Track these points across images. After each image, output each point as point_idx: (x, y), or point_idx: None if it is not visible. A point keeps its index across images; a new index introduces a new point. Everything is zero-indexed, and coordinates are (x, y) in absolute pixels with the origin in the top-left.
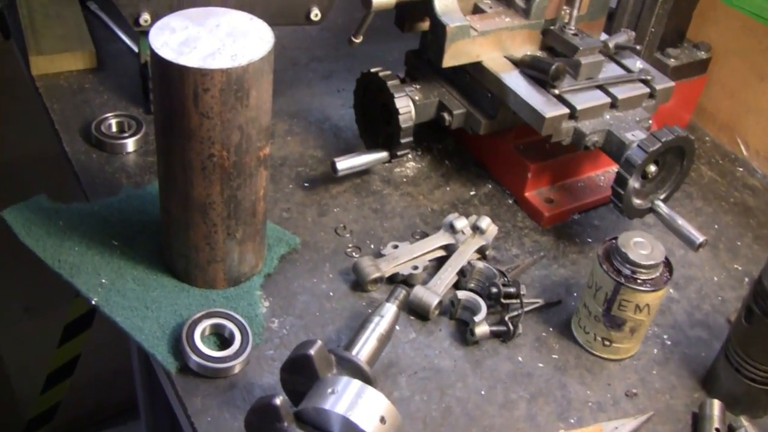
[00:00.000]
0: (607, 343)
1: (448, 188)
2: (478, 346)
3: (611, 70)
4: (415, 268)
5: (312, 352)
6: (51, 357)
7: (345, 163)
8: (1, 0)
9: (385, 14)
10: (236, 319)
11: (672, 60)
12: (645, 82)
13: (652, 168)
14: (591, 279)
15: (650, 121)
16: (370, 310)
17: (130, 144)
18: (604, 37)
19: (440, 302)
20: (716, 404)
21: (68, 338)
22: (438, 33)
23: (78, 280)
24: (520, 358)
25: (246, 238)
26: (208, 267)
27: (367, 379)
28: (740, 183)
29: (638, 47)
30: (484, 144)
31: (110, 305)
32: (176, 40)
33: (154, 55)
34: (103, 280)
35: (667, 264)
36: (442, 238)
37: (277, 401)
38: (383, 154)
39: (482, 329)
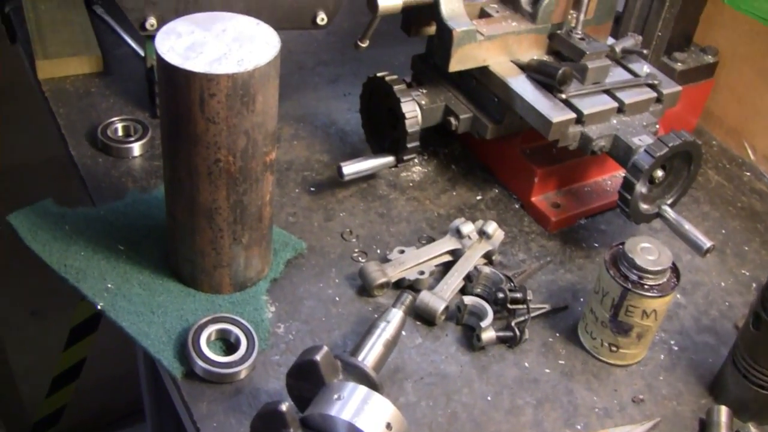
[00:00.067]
0: (613, 348)
1: (454, 193)
2: (485, 352)
3: (618, 74)
4: (422, 273)
5: (318, 357)
6: (57, 360)
7: (351, 168)
8: (8, 4)
9: (392, 18)
10: (242, 325)
11: (679, 64)
12: (652, 86)
13: (659, 173)
14: (598, 284)
15: (657, 126)
16: (376, 316)
17: (136, 148)
18: (611, 41)
19: (446, 307)
20: (724, 411)
21: (74, 341)
22: (444, 37)
23: (84, 284)
24: (526, 364)
25: (252, 243)
26: (214, 272)
27: (373, 385)
28: (747, 187)
29: (645, 51)
30: (491, 148)
31: (116, 310)
32: (182, 44)
33: (160, 60)
34: (109, 285)
35: (675, 269)
36: (448, 243)
37: (283, 407)
38: (389, 159)
39: (489, 335)
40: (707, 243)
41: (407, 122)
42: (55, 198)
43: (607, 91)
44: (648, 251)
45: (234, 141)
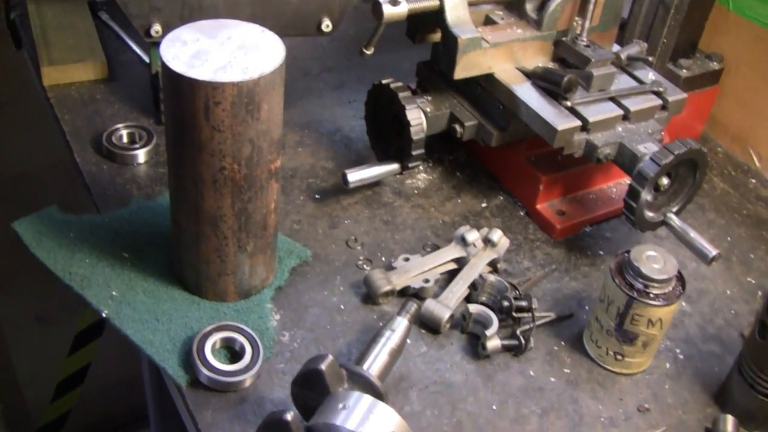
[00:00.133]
0: (619, 357)
1: (459, 200)
2: (490, 360)
3: (623, 81)
4: (427, 281)
5: (323, 366)
6: (62, 365)
7: (356, 175)
8: (14, 10)
9: (397, 24)
10: (247, 333)
11: (684, 71)
12: (657, 93)
13: (665, 181)
14: (603, 293)
15: (662, 133)
16: (381, 324)
17: (141, 155)
18: (616, 48)
19: (452, 316)
20: (730, 420)
21: (79, 347)
22: (450, 45)
23: (89, 292)
24: (531, 372)
25: (257, 250)
26: (219, 280)
27: (378, 394)
28: (753, 195)
29: (650, 59)
30: (496, 156)
31: (121, 318)
32: (187, 52)
33: (166, 68)
34: (114, 293)
35: (680, 278)
36: (453, 251)
37: (288, 416)
38: (394, 166)
39: (494, 343)
40: (713, 251)
41: (412, 129)
42: (59, 204)
43: (613, 99)
44: (653, 260)
45: (239, 149)
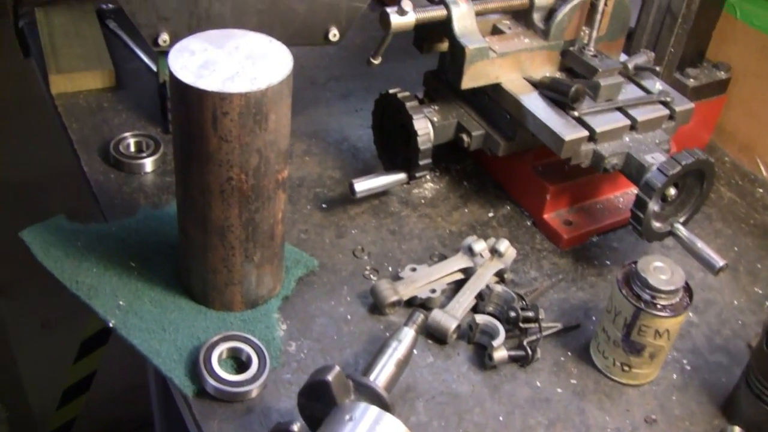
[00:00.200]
0: (626, 368)
1: (466, 210)
2: (496, 371)
3: (631, 91)
4: (433, 291)
5: (330, 377)
6: (67, 373)
7: (363, 185)
8: (22, 18)
9: (404, 34)
10: (254, 343)
11: (691, 80)
12: (665, 103)
13: (672, 191)
14: (610, 303)
15: (670, 143)
16: (388, 334)
17: (148, 164)
18: (623, 57)
19: (458, 326)
20: (737, 431)
21: (84, 354)
22: (457, 54)
23: (96, 302)
24: (538, 383)
25: (264, 260)
26: (226, 289)
27: (384, 406)
28: (760, 204)
29: (658, 68)
30: (503, 165)
31: (127, 328)
32: (195, 62)
33: (173, 78)
34: (121, 302)
35: (687, 289)
36: (460, 261)
37: (295, 427)
38: (402, 176)
39: (500, 354)
40: (720, 262)
41: (419, 139)
42: (66, 211)
43: (620, 109)
44: (661, 270)
45: (246, 159)
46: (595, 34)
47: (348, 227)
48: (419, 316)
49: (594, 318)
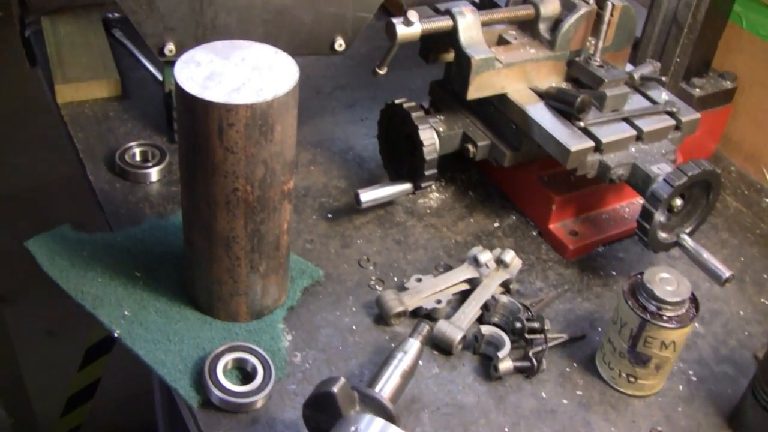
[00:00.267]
0: (632, 379)
1: (471, 219)
2: (502, 382)
3: (637, 101)
4: (439, 302)
5: (335, 389)
6: (72, 380)
7: (369, 195)
8: (29, 27)
9: (410, 44)
10: (259, 354)
11: (697, 90)
12: (671, 113)
13: (678, 202)
14: (616, 314)
15: (676, 153)
16: (393, 345)
17: (154, 174)
18: (629, 68)
19: (464, 337)
20: None
21: (89, 362)
22: (463, 65)
23: (101, 312)
24: (543, 394)
25: (269, 271)
26: (231, 300)
27: (390, 417)
28: (766, 214)
29: (664, 79)
30: (508, 175)
31: (133, 338)
32: (201, 74)
33: (180, 90)
34: (126, 312)
35: (693, 300)
36: (466, 272)
37: None
38: (407, 186)
39: (506, 365)
40: (726, 273)
41: (425, 150)
42: (71, 219)
43: (626, 119)
44: (667, 282)
45: (252, 170)
46: (601, 44)
47: (353, 237)
48: (425, 327)
49: (600, 329)
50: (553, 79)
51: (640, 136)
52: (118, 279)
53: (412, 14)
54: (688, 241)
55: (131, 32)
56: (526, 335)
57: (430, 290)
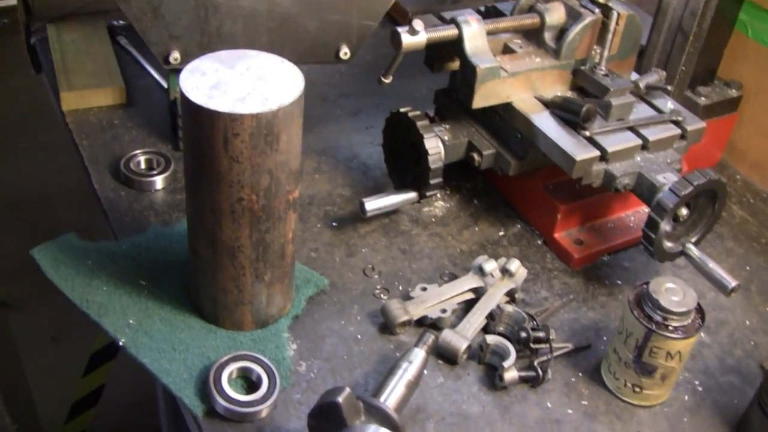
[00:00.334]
0: (637, 389)
1: (476, 228)
2: (507, 392)
3: (642, 110)
4: (444, 311)
5: (340, 399)
6: (76, 386)
7: (374, 204)
8: (34, 35)
9: (415, 52)
10: (264, 363)
11: (703, 98)
12: (676, 122)
13: (684, 211)
14: (621, 325)
15: (681, 162)
16: (398, 354)
17: (159, 181)
18: (634, 76)
19: (469, 346)
20: None
21: (93, 368)
22: (468, 74)
23: (106, 320)
24: (549, 404)
25: (274, 280)
26: (236, 309)
27: (394, 427)
28: None
29: (669, 87)
30: (514, 184)
31: (137, 346)
32: (207, 83)
33: (185, 99)
34: (131, 321)
35: (699, 310)
36: (471, 281)
37: None
38: (412, 195)
39: (511, 375)
40: (732, 282)
41: (430, 158)
42: (76, 226)
43: (631, 128)
44: (672, 292)
45: (257, 180)
46: (606, 53)
47: (358, 246)
48: (430, 337)
49: (605, 338)
50: (558, 88)
51: (645, 145)
52: (122, 287)
53: (418, 23)
54: (694, 251)
55: (136, 40)
56: (532, 345)
57: (435, 299)
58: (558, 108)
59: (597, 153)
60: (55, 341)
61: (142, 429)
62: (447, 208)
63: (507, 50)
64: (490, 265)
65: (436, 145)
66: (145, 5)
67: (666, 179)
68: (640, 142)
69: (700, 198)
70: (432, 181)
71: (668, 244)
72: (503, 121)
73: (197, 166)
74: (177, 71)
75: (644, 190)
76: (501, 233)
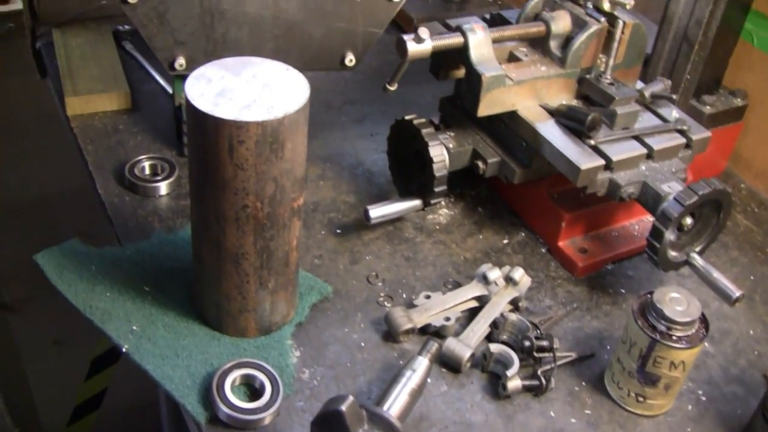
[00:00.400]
0: (640, 399)
1: (480, 236)
2: (510, 400)
3: (647, 119)
4: (448, 319)
5: (343, 407)
6: (78, 390)
7: (378, 211)
8: (39, 39)
9: (420, 59)
10: (267, 370)
11: (708, 107)
12: (681, 132)
13: (689, 220)
14: (625, 334)
15: (686, 172)
16: (401, 362)
17: (163, 187)
18: (640, 85)
19: (472, 355)
20: None
21: (95, 372)
22: (473, 82)
23: (109, 326)
24: (552, 413)
25: (278, 287)
26: (240, 316)
27: None
28: None
29: (674, 96)
30: (518, 192)
31: (141, 353)
32: (212, 90)
33: (190, 106)
34: (134, 327)
35: (703, 320)
36: (475, 289)
37: None
38: (417, 203)
39: (514, 383)
40: (736, 292)
41: (435, 166)
42: (79, 230)
43: (636, 137)
44: (676, 301)
45: (262, 187)
46: (611, 61)
47: (362, 253)
48: (433, 346)
49: (609, 347)
50: (563, 97)
51: (650, 155)
52: (126, 293)
53: (423, 31)
54: (698, 260)
55: (141, 45)
56: (535, 354)
57: (438, 307)
58: (563, 116)
59: (602, 162)
60: (57, 344)
61: None
62: (451, 216)
63: (512, 58)
64: (494, 274)
65: (440, 153)
66: (150, 11)
67: (671, 188)
68: (645, 151)
69: (705, 207)
70: (436, 189)
71: (672, 254)
72: (508, 129)
73: (202, 173)
74: (182, 77)
75: (649, 199)
76: (505, 241)
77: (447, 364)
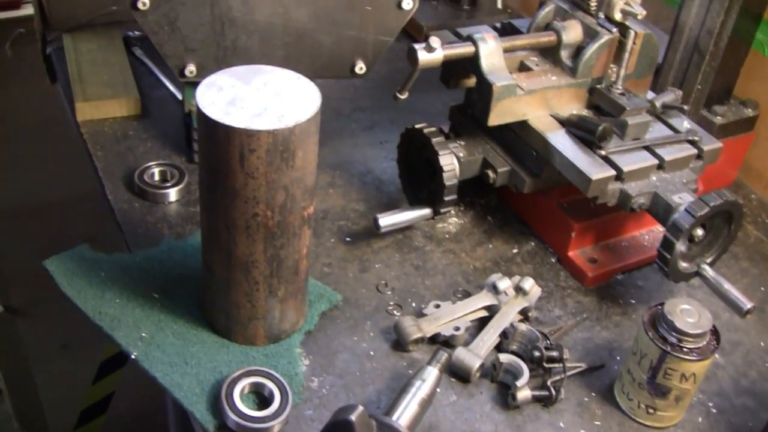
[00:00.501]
0: (651, 410)
1: (490, 245)
2: (520, 411)
3: (658, 130)
4: (457, 328)
5: (353, 417)
6: (85, 394)
7: (387, 220)
8: (50, 44)
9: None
10: (276, 378)
11: (719, 117)
12: (692, 142)
13: (699, 232)
14: (636, 345)
15: (697, 182)
16: (411, 371)
17: (173, 194)
18: (650, 95)
19: (482, 365)
20: None
21: (103, 376)
22: (484, 91)
23: (118, 333)
24: (561, 424)
25: (288, 296)
26: (249, 324)
27: None
28: None
29: (685, 107)
30: (528, 201)
31: (150, 360)
32: (223, 98)
33: (201, 114)
34: (143, 334)
35: (714, 332)
36: (484, 299)
37: None
38: (426, 211)
39: (524, 394)
40: (747, 304)
41: (445, 175)
42: (88, 235)
43: (647, 148)
44: (688, 313)
45: (273, 196)
46: (623, 71)
47: (372, 261)
48: (443, 355)
49: (618, 358)
50: (574, 107)
51: (661, 165)
52: (135, 300)
53: (434, 40)
54: (709, 272)
55: (151, 51)
56: (545, 364)
57: (448, 317)
58: (574, 126)
59: (612, 172)
60: (64, 348)
61: None
62: (461, 225)
63: (523, 68)
64: (504, 283)
65: (450, 162)
66: (161, 18)
67: (682, 199)
68: (656, 161)
69: (716, 219)
70: (446, 198)
71: (683, 265)
72: (518, 138)
73: (212, 181)
74: (192, 84)
75: (660, 210)
76: (515, 251)
77: (456, 373)
